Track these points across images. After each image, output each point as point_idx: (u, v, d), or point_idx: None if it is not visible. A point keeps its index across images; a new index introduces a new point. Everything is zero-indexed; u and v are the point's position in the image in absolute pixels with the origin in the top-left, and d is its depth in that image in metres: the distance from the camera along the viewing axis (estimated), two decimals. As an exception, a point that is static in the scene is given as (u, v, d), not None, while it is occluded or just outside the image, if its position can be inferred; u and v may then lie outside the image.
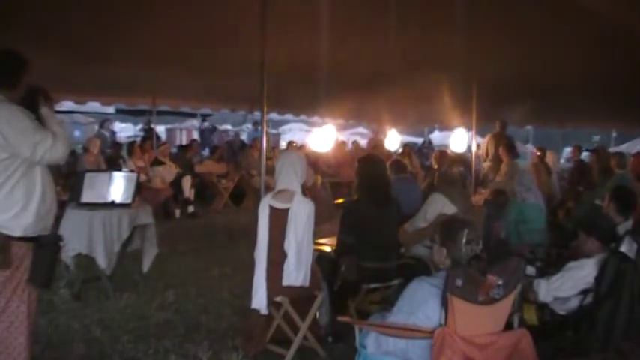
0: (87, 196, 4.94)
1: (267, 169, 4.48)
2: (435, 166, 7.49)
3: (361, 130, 22.88)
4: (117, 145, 10.88)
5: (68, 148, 2.79)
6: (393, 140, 10.45)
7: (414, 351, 2.62)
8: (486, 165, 9.00)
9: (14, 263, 2.70)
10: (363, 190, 4.20)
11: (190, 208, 9.58)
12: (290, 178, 3.64)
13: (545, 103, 8.72)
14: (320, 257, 4.10)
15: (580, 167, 10.67)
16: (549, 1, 4.09)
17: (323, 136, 7.20)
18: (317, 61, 5.68)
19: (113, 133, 15.97)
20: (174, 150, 12.60)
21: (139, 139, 11.55)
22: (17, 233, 2.69)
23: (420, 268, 4.07)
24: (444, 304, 2.49)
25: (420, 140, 20.89)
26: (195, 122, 20.70)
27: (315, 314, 3.75)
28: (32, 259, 2.74)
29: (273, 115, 15.06)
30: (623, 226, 3.80)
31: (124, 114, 18.57)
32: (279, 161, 3.76)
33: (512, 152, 8.01)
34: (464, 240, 2.65)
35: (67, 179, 8.02)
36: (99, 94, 10.08)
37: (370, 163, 4.33)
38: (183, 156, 10.96)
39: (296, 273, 3.50)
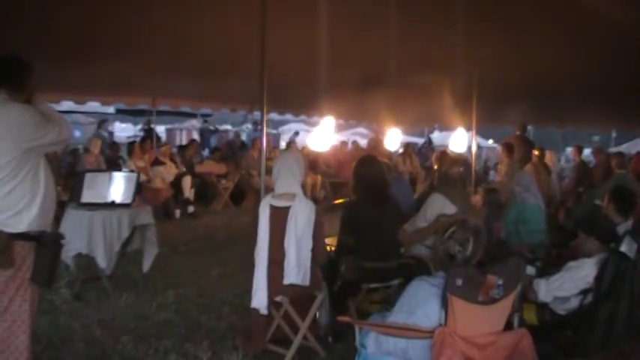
0: (87, 196, 4.93)
1: (267, 169, 4.48)
2: (435, 166, 7.49)
3: (361, 130, 22.90)
4: (116, 145, 10.88)
5: (70, 129, 3.05)
6: (394, 140, 10.44)
7: (414, 351, 2.62)
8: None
9: (16, 262, 2.71)
10: (360, 191, 4.20)
11: (190, 208, 9.58)
12: (289, 181, 3.64)
13: (546, 103, 8.72)
14: (320, 257, 4.10)
15: (581, 167, 10.69)
16: (550, 1, 4.09)
17: (321, 133, 7.15)
18: (317, 61, 5.67)
19: (111, 134, 15.99)
20: (173, 150, 12.60)
21: (138, 139, 11.55)
22: (21, 228, 2.71)
23: (420, 268, 4.07)
24: (444, 304, 2.50)
25: (420, 140, 20.90)
26: (196, 122, 20.72)
27: (315, 314, 3.75)
28: (34, 258, 2.76)
29: (273, 115, 15.08)
30: (623, 226, 3.80)
31: (124, 114, 18.59)
32: (277, 164, 3.73)
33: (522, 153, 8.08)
34: (446, 235, 2.70)
35: (67, 179, 8.02)
36: (99, 94, 10.08)
37: (368, 163, 4.32)
38: (184, 156, 10.97)
39: (297, 271, 3.50)
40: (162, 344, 3.89)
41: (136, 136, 16.82)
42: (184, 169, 10.09)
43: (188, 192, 9.66)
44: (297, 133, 19.72)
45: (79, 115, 17.83)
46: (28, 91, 2.87)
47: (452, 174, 4.82)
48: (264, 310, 3.54)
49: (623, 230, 3.63)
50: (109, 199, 5.02)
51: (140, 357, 3.73)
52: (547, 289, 3.49)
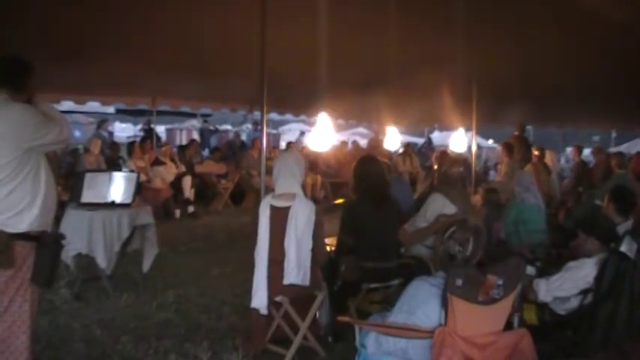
0: (87, 196, 4.93)
1: (267, 169, 4.48)
2: (435, 166, 7.49)
3: (361, 130, 22.92)
4: (116, 145, 10.89)
5: (71, 129, 3.08)
6: (394, 140, 10.45)
7: (414, 351, 2.62)
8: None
9: (17, 262, 2.72)
10: (360, 191, 4.20)
11: (190, 208, 9.58)
12: (289, 181, 3.64)
13: (545, 103, 8.72)
14: (320, 257, 4.10)
15: (580, 167, 10.69)
16: (550, 1, 4.09)
17: (319, 133, 7.13)
18: (317, 61, 5.67)
19: (110, 134, 15.99)
20: (174, 150, 12.59)
21: (138, 139, 11.55)
22: (22, 228, 2.71)
23: (420, 268, 4.07)
24: (444, 304, 2.50)
25: (420, 140, 20.91)
26: (196, 122, 20.72)
27: (315, 314, 3.75)
28: (35, 258, 2.76)
29: (273, 115, 15.08)
30: (623, 226, 3.80)
31: (124, 114, 18.59)
32: (276, 165, 3.74)
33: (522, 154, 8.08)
34: (446, 235, 2.71)
35: (67, 179, 8.02)
36: (99, 94, 10.07)
37: (368, 163, 4.33)
38: (184, 156, 10.98)
39: (297, 270, 3.50)
40: (162, 344, 3.89)
41: (136, 136, 16.83)
42: (184, 169, 10.10)
43: (188, 192, 9.66)
44: (302, 133, 19.78)
45: (79, 115, 17.84)
46: (28, 91, 2.87)
47: (452, 174, 4.82)
48: (264, 310, 3.55)
49: (623, 230, 3.63)
50: (109, 199, 5.02)
51: (140, 357, 3.73)
52: (547, 289, 3.49)
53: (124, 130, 22.45)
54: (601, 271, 3.32)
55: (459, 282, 2.47)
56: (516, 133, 9.49)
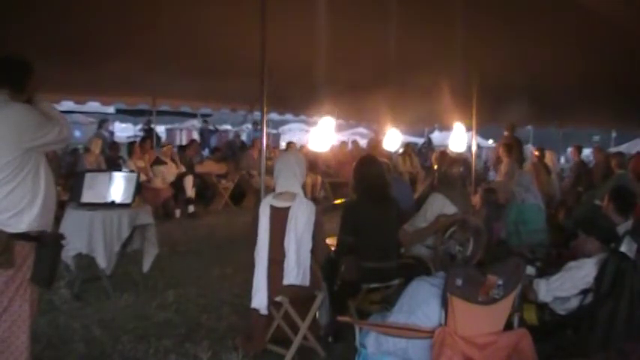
0: (87, 196, 4.94)
1: (267, 169, 4.48)
2: (435, 166, 7.49)
3: (361, 130, 22.93)
4: (116, 145, 10.89)
5: (70, 128, 3.07)
6: (394, 140, 10.44)
7: (414, 351, 2.62)
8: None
9: (17, 262, 2.71)
10: (360, 190, 4.21)
11: (191, 208, 9.58)
12: (289, 180, 3.64)
13: (545, 103, 8.72)
14: (320, 257, 4.10)
15: (580, 167, 10.70)
16: (550, 1, 4.10)
17: (320, 133, 7.12)
18: (317, 61, 5.68)
19: (111, 134, 15.99)
20: (174, 150, 12.59)
21: (138, 139, 11.55)
22: (22, 228, 2.71)
23: (420, 268, 4.07)
24: (444, 304, 2.50)
25: (420, 140, 20.91)
26: (196, 122, 20.73)
27: (315, 314, 3.75)
28: (35, 258, 2.76)
29: (273, 115, 15.09)
30: (623, 226, 3.80)
31: (124, 114, 18.60)
32: (277, 164, 3.75)
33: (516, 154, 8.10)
34: (447, 235, 2.70)
35: (67, 179, 8.02)
36: (99, 94, 10.08)
37: (368, 163, 4.33)
38: (184, 156, 10.98)
39: (297, 270, 3.50)
40: (162, 344, 3.89)
41: (136, 136, 16.83)
42: (184, 169, 10.10)
43: (190, 191, 9.66)
44: None
45: (79, 115, 17.85)
46: (28, 91, 2.87)
47: (452, 174, 4.82)
48: (264, 311, 3.54)
49: (623, 230, 3.63)
50: (109, 199, 5.02)
51: (140, 357, 3.73)
52: (547, 289, 3.49)
53: (124, 130, 22.45)
54: (601, 271, 3.32)
55: (459, 282, 2.47)
56: (506, 133, 9.49)
